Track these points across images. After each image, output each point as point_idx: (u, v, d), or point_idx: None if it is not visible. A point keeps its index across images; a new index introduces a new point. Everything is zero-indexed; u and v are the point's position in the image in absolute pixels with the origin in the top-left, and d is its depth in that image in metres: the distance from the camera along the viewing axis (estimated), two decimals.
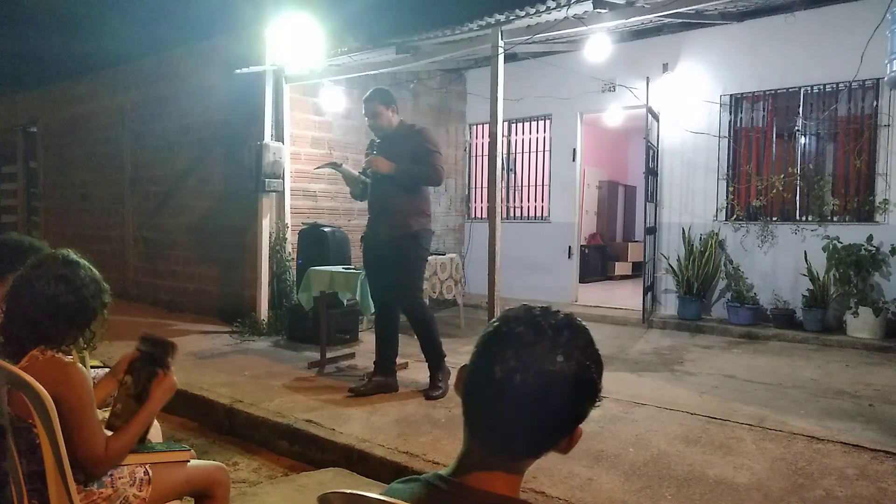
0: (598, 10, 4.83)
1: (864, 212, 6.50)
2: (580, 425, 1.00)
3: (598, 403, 1.01)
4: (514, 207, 9.15)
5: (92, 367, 3.02)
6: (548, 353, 0.94)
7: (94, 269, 1.93)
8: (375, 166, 4.24)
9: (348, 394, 4.31)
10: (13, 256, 2.34)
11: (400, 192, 4.27)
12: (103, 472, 1.81)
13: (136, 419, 1.88)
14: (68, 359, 1.81)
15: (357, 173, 4.61)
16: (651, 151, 7.36)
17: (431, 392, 4.28)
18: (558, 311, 1.00)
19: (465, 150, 9.34)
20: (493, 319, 1.01)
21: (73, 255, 1.92)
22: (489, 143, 5.20)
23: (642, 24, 6.62)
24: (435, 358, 4.36)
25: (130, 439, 1.85)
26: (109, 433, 1.87)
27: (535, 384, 0.92)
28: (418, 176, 4.27)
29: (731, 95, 7.19)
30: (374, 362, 4.51)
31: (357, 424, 3.73)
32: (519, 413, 0.93)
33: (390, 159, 4.24)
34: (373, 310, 4.70)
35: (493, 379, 0.93)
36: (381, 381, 4.39)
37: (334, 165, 4.74)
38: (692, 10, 5.34)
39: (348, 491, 1.00)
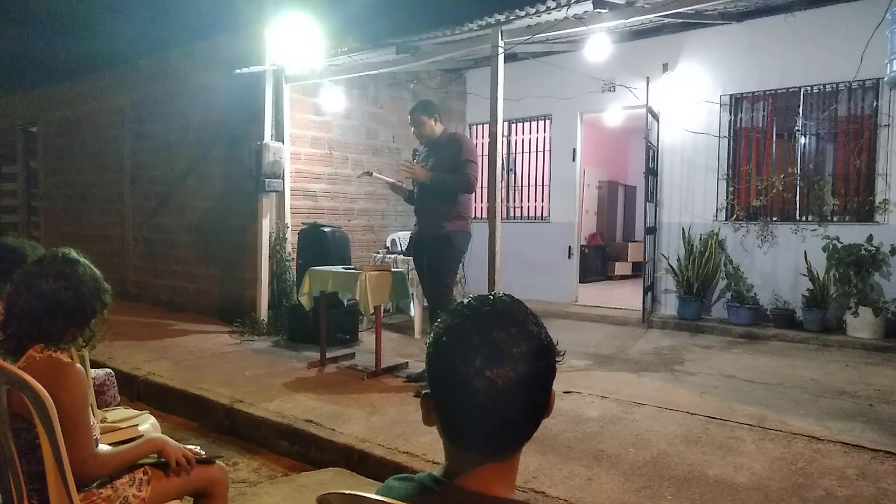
0: (598, 10, 4.83)
1: (864, 212, 6.50)
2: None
3: (559, 359, 0.99)
4: (514, 207, 9.15)
5: (92, 367, 3.01)
6: (508, 346, 0.92)
7: (94, 269, 1.93)
8: (414, 176, 4.62)
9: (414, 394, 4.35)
10: (8, 263, 2.32)
11: (437, 196, 4.60)
12: (89, 478, 1.79)
13: (132, 449, 1.91)
14: (66, 359, 1.81)
15: (390, 180, 5.10)
16: (651, 151, 7.36)
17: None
18: (486, 302, 0.98)
19: None
20: (435, 335, 0.97)
21: (74, 254, 1.92)
22: (489, 143, 5.21)
23: (642, 24, 6.62)
24: None
25: (117, 463, 1.87)
26: (106, 447, 1.88)
27: (515, 380, 0.91)
28: (450, 184, 4.56)
29: (730, 95, 7.19)
30: None
31: (357, 424, 3.73)
32: (510, 413, 0.92)
33: (433, 166, 4.61)
34: (372, 310, 4.74)
35: (473, 394, 0.91)
36: None
37: (368, 174, 5.17)
38: (692, 10, 5.34)
39: (347, 491, 1.00)
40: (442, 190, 4.55)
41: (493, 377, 0.90)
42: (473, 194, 4.79)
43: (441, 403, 0.96)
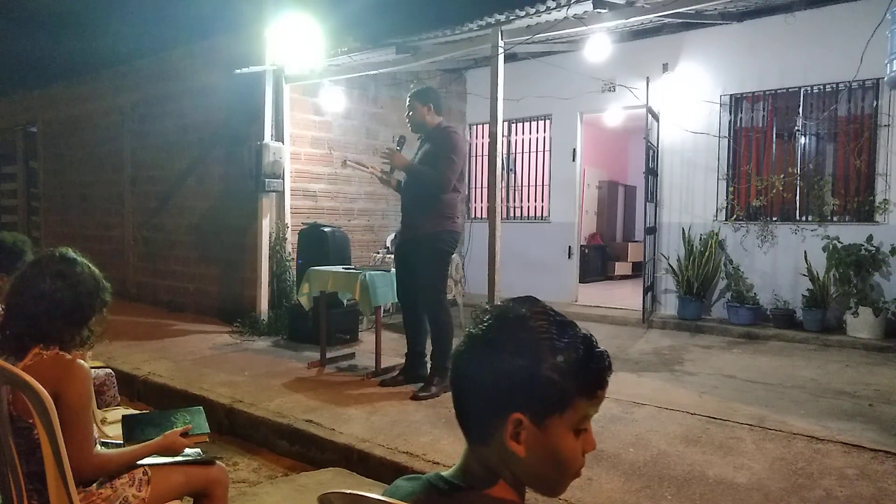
0: (598, 10, 4.83)
1: (864, 212, 6.50)
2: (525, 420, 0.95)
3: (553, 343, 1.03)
4: (514, 207, 9.15)
5: (92, 367, 3.01)
6: (484, 341, 0.97)
7: (93, 268, 1.93)
8: (392, 161, 4.45)
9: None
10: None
11: (422, 194, 4.40)
12: (86, 478, 1.80)
13: (133, 451, 1.91)
14: (71, 356, 1.81)
15: (367, 169, 4.90)
16: (651, 151, 7.36)
17: (421, 392, 4.26)
18: (501, 307, 1.03)
19: None
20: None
21: (72, 253, 1.92)
22: (489, 143, 5.21)
23: (642, 24, 6.62)
24: (439, 360, 4.35)
25: (118, 464, 1.87)
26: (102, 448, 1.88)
27: (478, 369, 0.96)
28: (422, 178, 4.37)
29: (730, 95, 7.19)
30: (405, 354, 4.69)
31: (357, 424, 3.73)
32: (471, 397, 0.97)
33: (421, 159, 4.43)
34: (372, 311, 4.73)
35: (457, 376, 0.99)
36: (412, 375, 4.57)
37: (343, 163, 5.02)
38: (692, 10, 5.34)
39: (348, 491, 1.00)
40: (421, 185, 4.36)
41: (466, 371, 0.97)
42: (460, 193, 4.53)
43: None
